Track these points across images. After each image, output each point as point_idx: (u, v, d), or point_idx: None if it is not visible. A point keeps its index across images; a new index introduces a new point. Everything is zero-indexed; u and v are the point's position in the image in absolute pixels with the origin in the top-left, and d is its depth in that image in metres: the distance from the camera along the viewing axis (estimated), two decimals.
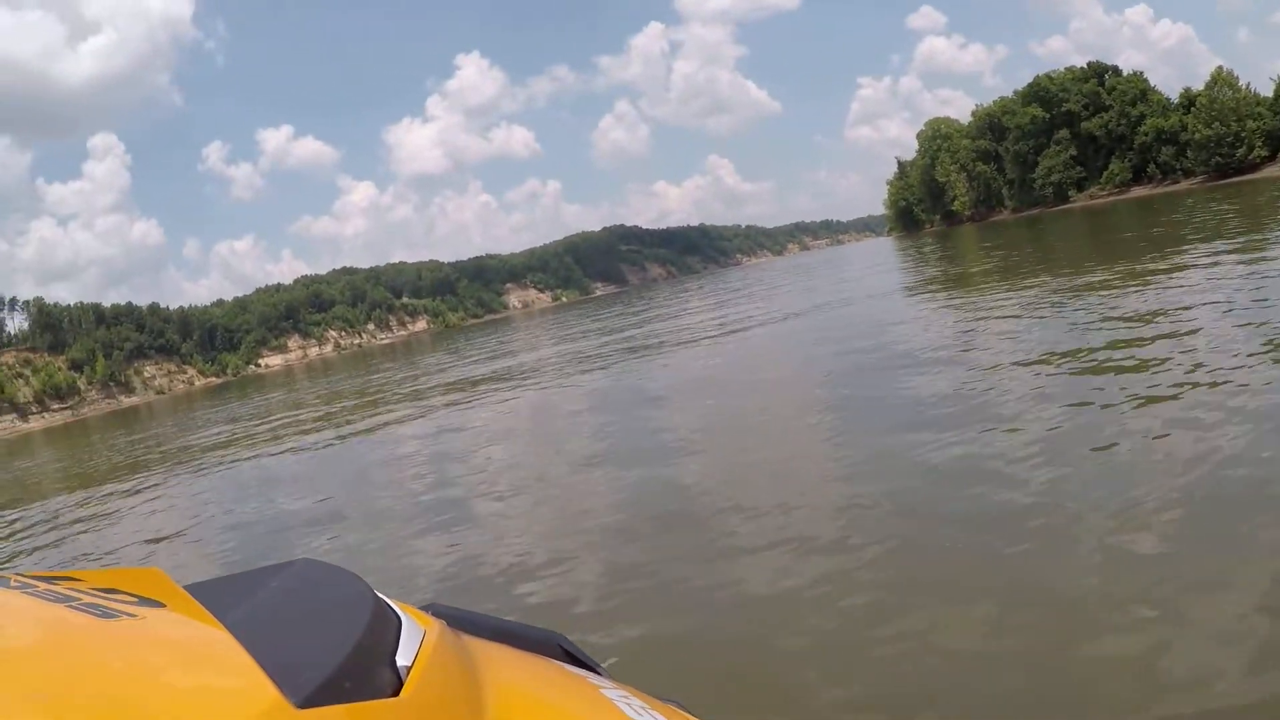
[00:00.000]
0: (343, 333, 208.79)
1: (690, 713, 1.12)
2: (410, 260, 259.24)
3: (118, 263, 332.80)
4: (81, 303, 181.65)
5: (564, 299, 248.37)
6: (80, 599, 0.83)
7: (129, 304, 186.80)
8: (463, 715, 0.84)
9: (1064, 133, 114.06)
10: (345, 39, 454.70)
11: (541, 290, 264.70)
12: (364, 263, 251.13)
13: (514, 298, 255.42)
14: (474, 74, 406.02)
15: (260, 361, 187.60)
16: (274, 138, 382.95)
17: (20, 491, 24.63)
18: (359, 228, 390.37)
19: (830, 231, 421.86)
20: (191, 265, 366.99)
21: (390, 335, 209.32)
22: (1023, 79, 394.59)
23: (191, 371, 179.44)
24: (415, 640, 0.90)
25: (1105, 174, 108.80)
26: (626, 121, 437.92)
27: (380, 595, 1.00)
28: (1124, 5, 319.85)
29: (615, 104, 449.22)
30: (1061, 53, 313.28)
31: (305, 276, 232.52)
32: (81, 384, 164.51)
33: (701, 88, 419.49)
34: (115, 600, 0.84)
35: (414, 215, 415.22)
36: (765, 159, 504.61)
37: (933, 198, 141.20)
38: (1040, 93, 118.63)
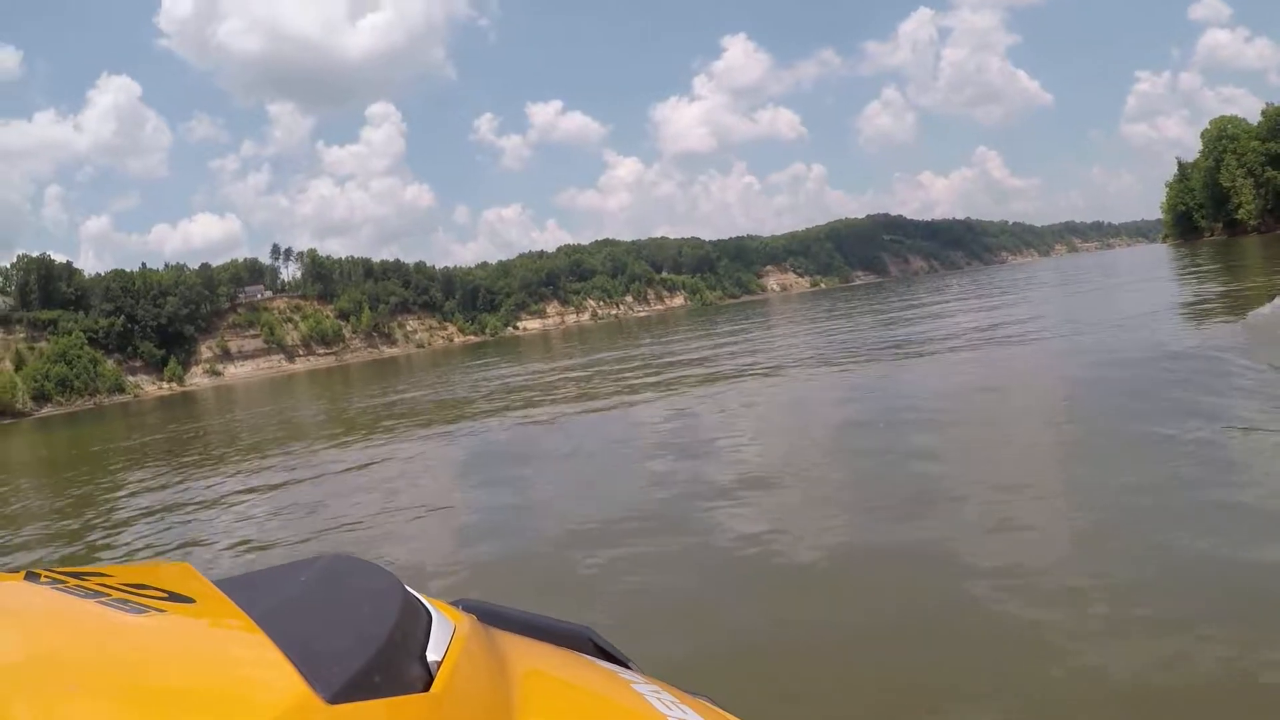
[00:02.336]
0: (601, 302, 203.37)
1: (721, 708, 1.10)
2: (672, 236, 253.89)
3: (390, 222, 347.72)
4: (352, 257, 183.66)
5: (823, 285, 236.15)
6: (109, 594, 0.82)
7: (396, 260, 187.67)
8: (493, 710, 0.82)
9: None
10: (614, 18, 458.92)
11: (800, 275, 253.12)
12: (626, 236, 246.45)
13: (772, 280, 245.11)
14: (740, 55, 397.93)
15: (518, 324, 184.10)
16: (543, 111, 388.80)
17: None
18: (623, 202, 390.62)
19: (1100, 234, 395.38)
20: (460, 229, 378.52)
21: (647, 309, 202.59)
22: None
23: (451, 329, 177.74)
24: (445, 635, 0.89)
25: None
26: (893, 108, 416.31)
27: (410, 590, 0.98)
28: None
29: (882, 90, 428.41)
30: None
31: (567, 245, 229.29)
32: (347, 332, 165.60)
33: (970, 76, 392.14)
34: (144, 595, 0.83)
35: (677, 192, 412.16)
36: (1035, 153, 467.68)
37: (1215, 204, 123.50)
38: None
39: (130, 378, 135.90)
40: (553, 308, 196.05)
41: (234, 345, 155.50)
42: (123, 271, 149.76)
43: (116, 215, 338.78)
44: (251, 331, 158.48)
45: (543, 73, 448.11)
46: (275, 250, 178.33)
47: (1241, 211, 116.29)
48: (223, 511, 10.76)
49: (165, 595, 0.84)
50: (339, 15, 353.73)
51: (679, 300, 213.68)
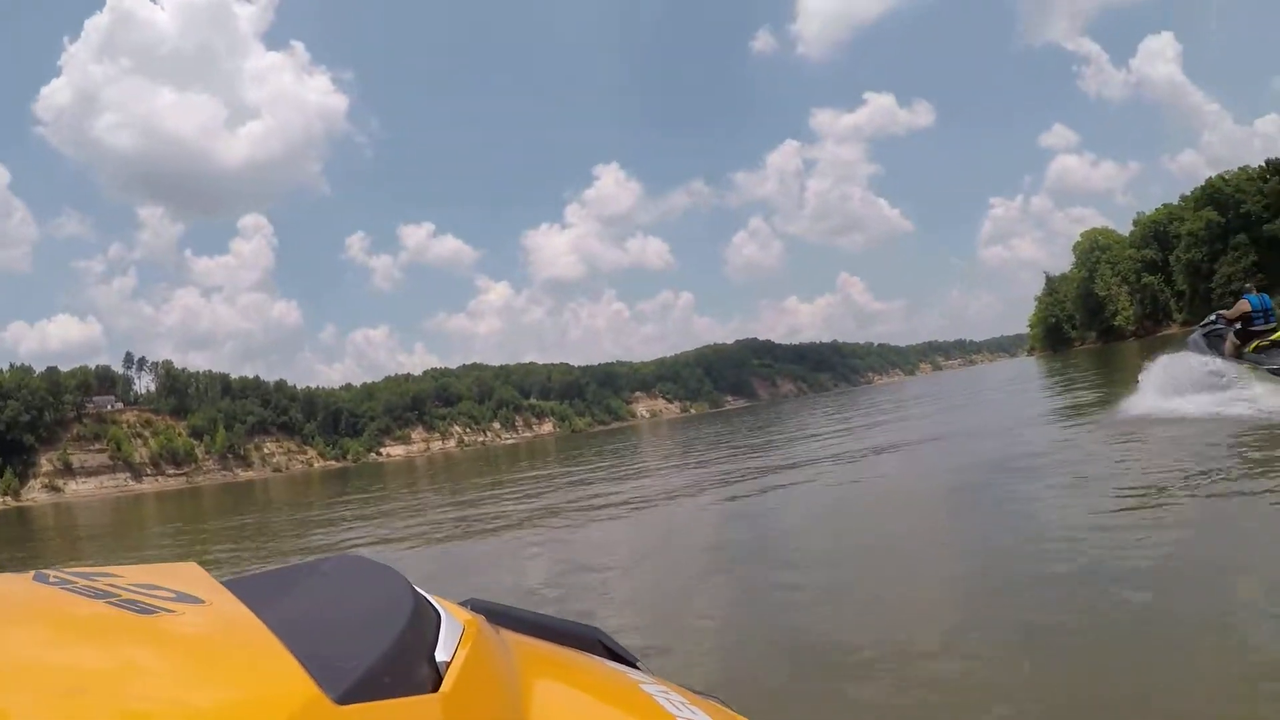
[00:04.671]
0: (467, 429, 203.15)
1: (730, 708, 1.11)
2: (540, 362, 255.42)
3: (255, 339, 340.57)
4: (210, 371, 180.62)
5: (693, 410, 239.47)
6: (119, 594, 0.84)
7: (256, 378, 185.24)
8: (502, 710, 0.84)
9: (1242, 237, 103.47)
10: (490, 144, 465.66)
11: (670, 400, 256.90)
12: (494, 361, 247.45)
13: (642, 406, 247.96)
14: (612, 184, 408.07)
15: (382, 450, 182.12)
16: (415, 233, 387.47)
17: None
18: (493, 327, 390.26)
19: (963, 351, 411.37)
20: (327, 349, 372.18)
21: (515, 436, 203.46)
22: (1154, 195, 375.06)
23: (311, 453, 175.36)
24: (454, 635, 0.91)
25: None
26: (760, 237, 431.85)
27: (419, 590, 1.01)
28: (1253, 116, 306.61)
29: (749, 219, 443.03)
30: (1193, 167, 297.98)
31: (434, 369, 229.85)
32: (200, 452, 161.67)
33: (834, 205, 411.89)
34: (154, 596, 0.84)
35: (547, 319, 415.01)
36: (897, 277, 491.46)
37: (1089, 313, 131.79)
38: (1214, 195, 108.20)
39: None
40: (418, 433, 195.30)
41: (77, 460, 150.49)
42: None
43: None
44: (97, 445, 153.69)
45: (417, 193, 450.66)
46: (129, 359, 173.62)
47: (1119, 318, 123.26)
48: None
49: (174, 595, 0.85)
50: (218, 120, 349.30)
51: (547, 427, 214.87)
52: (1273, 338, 14.50)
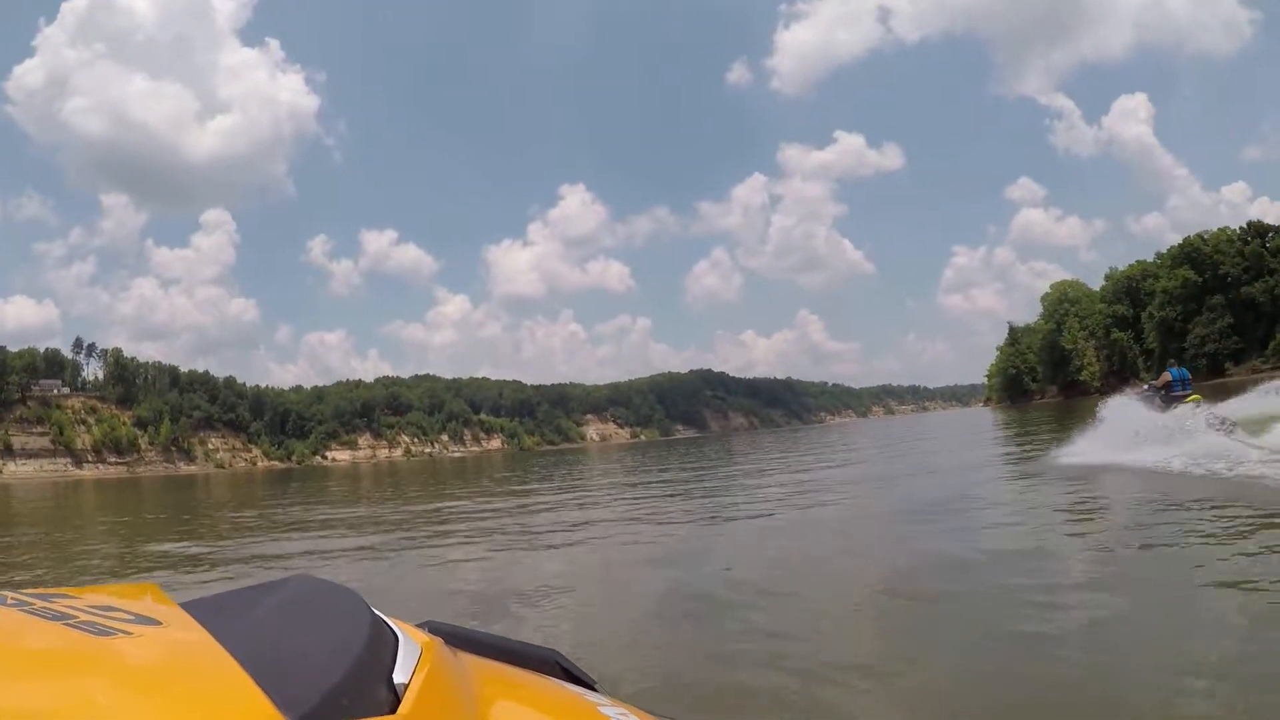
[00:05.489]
0: (415, 439, 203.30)
1: None
2: (493, 378, 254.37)
3: (210, 333, 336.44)
4: (159, 362, 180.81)
5: (643, 437, 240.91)
6: (77, 616, 0.84)
7: (206, 373, 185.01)
8: None
9: (1218, 298, 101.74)
10: (459, 155, 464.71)
11: (621, 425, 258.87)
12: (447, 373, 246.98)
13: (592, 429, 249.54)
14: (577, 205, 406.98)
15: (328, 454, 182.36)
16: (377, 240, 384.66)
17: None
18: (448, 339, 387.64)
19: (916, 398, 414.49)
20: (281, 349, 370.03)
21: (463, 449, 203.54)
22: (1117, 255, 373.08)
23: (256, 451, 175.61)
24: (412, 657, 0.92)
25: (1272, 345, 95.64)
26: (721, 268, 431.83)
27: (377, 612, 1.02)
28: (1221, 183, 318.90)
29: (712, 250, 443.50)
30: (1157, 230, 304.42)
31: (386, 377, 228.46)
32: (143, 443, 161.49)
33: (798, 242, 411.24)
34: (112, 617, 0.85)
35: (503, 335, 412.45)
36: (855, 319, 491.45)
37: (1053, 366, 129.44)
38: (1191, 254, 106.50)
39: None
40: (365, 440, 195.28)
41: (17, 441, 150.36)
42: None
43: None
44: (39, 429, 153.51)
45: (382, 200, 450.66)
46: (78, 344, 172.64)
47: (1084, 373, 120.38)
48: None
49: (132, 617, 0.86)
50: (188, 112, 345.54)
51: (496, 443, 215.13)
52: (1186, 401, 18.00)
